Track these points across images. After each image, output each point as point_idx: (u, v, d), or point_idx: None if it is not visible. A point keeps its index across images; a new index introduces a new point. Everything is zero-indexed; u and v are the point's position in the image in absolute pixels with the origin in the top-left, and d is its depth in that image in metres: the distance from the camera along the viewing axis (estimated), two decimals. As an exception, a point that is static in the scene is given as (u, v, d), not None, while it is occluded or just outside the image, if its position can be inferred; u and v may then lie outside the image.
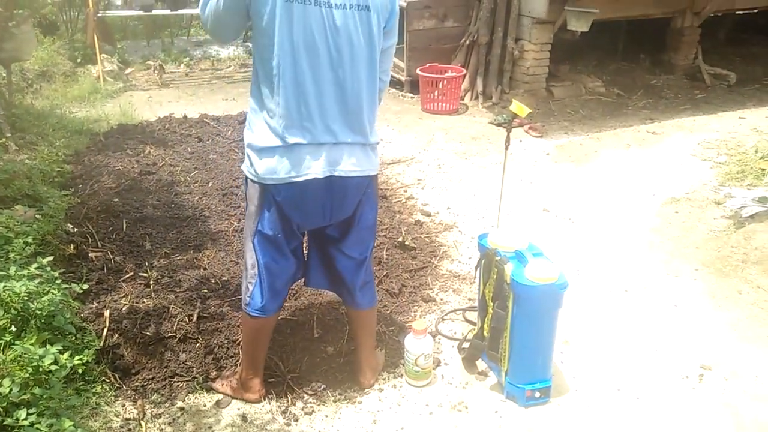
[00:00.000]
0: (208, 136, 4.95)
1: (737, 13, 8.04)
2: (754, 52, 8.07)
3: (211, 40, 8.86)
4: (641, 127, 5.54)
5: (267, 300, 2.13)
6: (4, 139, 4.10)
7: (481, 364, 2.53)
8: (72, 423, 1.78)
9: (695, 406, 2.33)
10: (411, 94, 6.47)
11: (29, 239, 2.73)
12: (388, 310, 2.84)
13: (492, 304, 2.36)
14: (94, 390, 2.27)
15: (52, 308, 2.22)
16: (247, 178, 2.03)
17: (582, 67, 6.91)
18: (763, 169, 4.26)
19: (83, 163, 4.24)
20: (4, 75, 4.98)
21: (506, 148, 2.82)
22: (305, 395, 2.32)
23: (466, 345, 2.55)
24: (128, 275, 2.87)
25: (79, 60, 6.87)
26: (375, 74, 1.99)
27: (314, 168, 1.93)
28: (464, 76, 6.17)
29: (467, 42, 6.29)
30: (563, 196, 4.16)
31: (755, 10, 8.20)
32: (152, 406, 2.26)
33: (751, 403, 2.34)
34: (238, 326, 2.54)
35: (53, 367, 1.94)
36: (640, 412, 2.30)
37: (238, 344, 2.48)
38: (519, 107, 2.71)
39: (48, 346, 1.99)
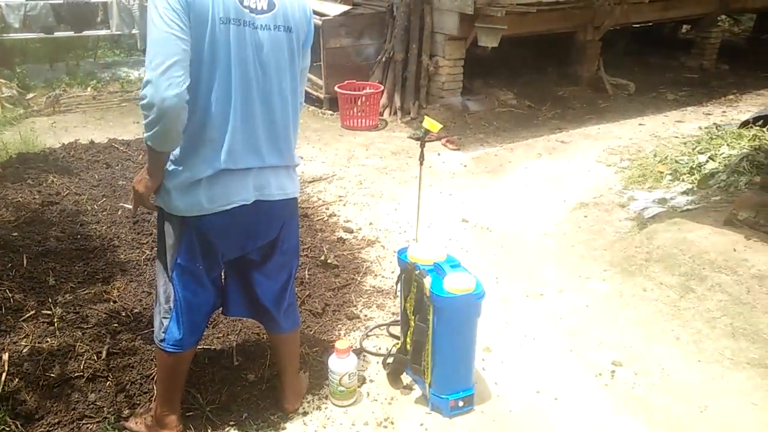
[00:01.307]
0: (118, 162, 4.73)
1: (634, 26, 8.63)
2: (650, 63, 8.69)
3: (121, 61, 8.54)
4: (551, 137, 5.81)
5: (185, 334, 2.04)
6: None
7: (405, 378, 2.54)
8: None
9: (609, 401, 2.43)
10: (330, 111, 6.48)
11: None
12: (311, 330, 2.80)
13: (413, 317, 2.38)
14: (-9, 442, 2.09)
15: (-61, 357, 2.04)
16: (162, 211, 1.93)
17: (494, 81, 7.17)
18: (662, 173, 4.56)
19: (-22, 196, 3.94)
20: None
21: (420, 163, 2.87)
22: (226, 426, 2.24)
23: (390, 360, 2.55)
24: (29, 314, 2.67)
25: (-27, 86, 6.42)
26: (297, 95, 1.98)
27: (242, 194, 1.88)
28: (382, 92, 6.25)
29: (383, 59, 6.39)
30: (481, 206, 4.27)
31: (650, 24, 8.85)
32: (58, 453, 2.11)
33: (659, 395, 2.47)
34: (152, 360, 2.42)
35: (-60, 422, 1.78)
36: (558, 411, 2.38)
37: (153, 379, 2.36)
38: (431, 123, 2.77)
39: (-66, 400, 1.83)
